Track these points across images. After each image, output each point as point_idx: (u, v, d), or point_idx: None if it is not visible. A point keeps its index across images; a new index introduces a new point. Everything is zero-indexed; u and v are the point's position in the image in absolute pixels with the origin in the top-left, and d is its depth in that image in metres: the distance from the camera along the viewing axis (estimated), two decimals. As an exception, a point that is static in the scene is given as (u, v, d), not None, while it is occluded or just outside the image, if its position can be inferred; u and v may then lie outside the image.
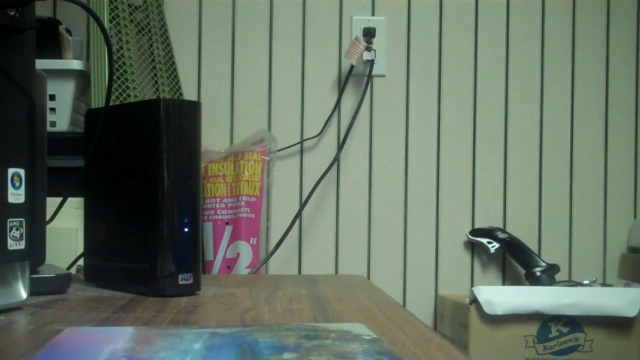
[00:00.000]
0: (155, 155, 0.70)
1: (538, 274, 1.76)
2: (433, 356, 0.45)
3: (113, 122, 0.76)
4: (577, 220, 1.91)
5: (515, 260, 1.83)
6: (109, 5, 1.45)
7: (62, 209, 0.82)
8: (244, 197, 1.68)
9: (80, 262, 0.87)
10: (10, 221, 0.59)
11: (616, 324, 1.53)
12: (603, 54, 1.92)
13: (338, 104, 1.83)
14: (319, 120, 1.83)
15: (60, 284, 0.72)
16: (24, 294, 0.61)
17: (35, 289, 0.66)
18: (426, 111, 1.87)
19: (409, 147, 1.86)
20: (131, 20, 1.51)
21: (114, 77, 1.42)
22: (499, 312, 1.51)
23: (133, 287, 0.73)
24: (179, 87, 1.66)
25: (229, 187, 1.71)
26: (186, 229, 0.71)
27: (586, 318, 1.53)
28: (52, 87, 1.37)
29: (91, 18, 1.55)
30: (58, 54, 1.46)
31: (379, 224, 1.85)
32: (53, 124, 1.45)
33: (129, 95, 1.44)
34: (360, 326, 0.50)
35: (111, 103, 0.94)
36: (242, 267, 1.67)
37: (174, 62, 1.65)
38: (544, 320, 1.53)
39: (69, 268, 0.85)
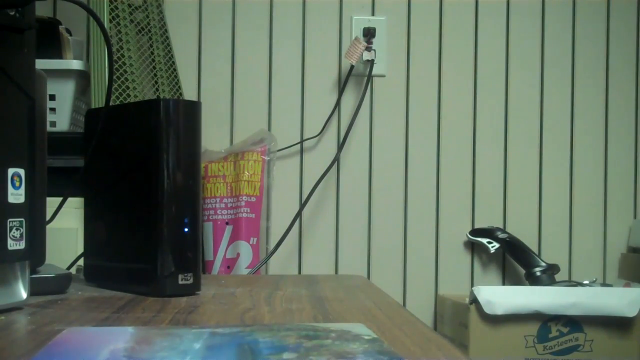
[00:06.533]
0: (155, 155, 0.70)
1: (538, 274, 1.76)
2: (433, 356, 0.45)
3: (113, 122, 0.76)
4: (577, 220, 1.91)
5: (515, 260, 1.83)
6: (109, 5, 1.45)
7: (62, 209, 0.82)
8: (244, 197, 1.68)
9: (80, 262, 0.87)
10: (10, 221, 0.59)
11: (616, 324, 1.53)
12: (603, 54, 1.92)
13: (338, 104, 1.83)
14: (319, 120, 1.83)
15: (60, 284, 0.72)
16: (24, 294, 0.61)
17: (35, 289, 0.66)
18: (426, 111, 1.87)
19: (409, 147, 1.86)
20: (131, 20, 1.51)
21: (114, 77, 1.42)
22: (499, 312, 1.51)
23: (133, 287, 0.73)
24: (179, 87, 1.66)
25: (229, 187, 1.71)
26: (186, 229, 0.71)
27: (586, 318, 1.53)
28: (52, 87, 1.37)
29: (91, 18, 1.55)
30: (58, 54, 1.46)
31: (379, 224, 1.85)
32: (53, 124, 1.45)
33: (129, 95, 1.44)
34: (360, 326, 0.50)
35: (111, 103, 0.94)
36: (242, 267, 1.67)
37: (174, 62, 1.65)
38: (544, 320, 1.53)
39: (69, 268, 0.85)
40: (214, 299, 0.70)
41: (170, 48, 1.65)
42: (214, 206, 1.71)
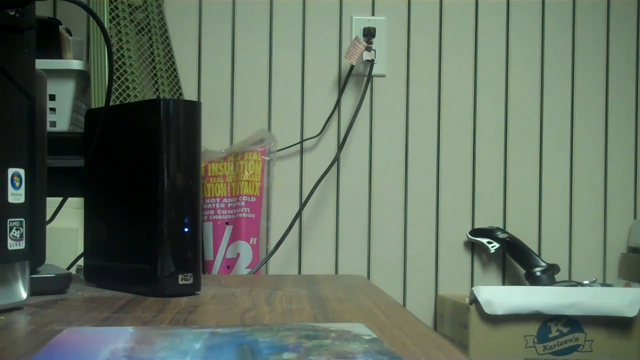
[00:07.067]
0: (155, 155, 0.70)
1: (538, 274, 1.76)
2: (433, 356, 0.45)
3: (113, 122, 0.76)
4: (577, 220, 1.91)
5: (515, 260, 1.83)
6: (109, 5, 1.45)
7: (62, 209, 0.82)
8: (244, 197, 1.68)
9: (80, 262, 0.87)
10: (10, 221, 0.59)
11: (616, 324, 1.53)
12: (603, 54, 1.92)
13: (338, 104, 1.83)
14: (319, 120, 1.83)
15: (60, 284, 0.72)
16: (24, 294, 0.61)
17: (35, 289, 0.66)
18: (426, 111, 1.87)
19: (409, 147, 1.86)
20: (131, 20, 1.51)
21: (114, 77, 1.42)
22: (499, 312, 1.51)
23: (133, 287, 0.73)
24: (179, 87, 1.66)
25: (229, 187, 1.71)
26: (186, 229, 0.71)
27: (586, 318, 1.53)
28: (52, 87, 1.37)
29: (91, 18, 1.55)
30: (58, 54, 1.46)
31: (379, 224, 1.85)
32: (53, 124, 1.45)
33: (129, 95, 1.44)
34: (360, 326, 0.50)
35: (111, 103, 0.94)
36: (242, 267, 1.67)
37: (174, 62, 1.65)
38: (544, 320, 1.53)
39: (69, 268, 0.85)
40: (214, 299, 0.70)
41: (170, 48, 1.65)
42: (214, 206, 1.71)
